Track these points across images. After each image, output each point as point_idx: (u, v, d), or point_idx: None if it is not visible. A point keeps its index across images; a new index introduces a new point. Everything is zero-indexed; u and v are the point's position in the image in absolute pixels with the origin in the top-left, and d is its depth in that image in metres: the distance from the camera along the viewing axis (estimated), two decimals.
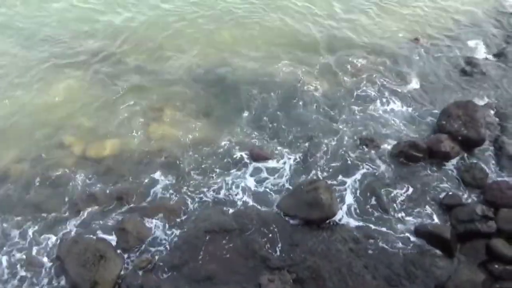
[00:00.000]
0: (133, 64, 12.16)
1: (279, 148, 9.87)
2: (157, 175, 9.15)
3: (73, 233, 8.07)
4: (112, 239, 7.93)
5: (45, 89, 11.19)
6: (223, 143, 9.91)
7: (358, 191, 8.80)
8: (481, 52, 13.56)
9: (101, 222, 8.27)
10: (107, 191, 8.76)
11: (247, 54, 12.81)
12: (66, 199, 8.63)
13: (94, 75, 11.72)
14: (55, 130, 10.06)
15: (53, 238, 8.00)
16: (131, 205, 8.52)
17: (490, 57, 13.34)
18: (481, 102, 11.14)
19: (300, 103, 11.11)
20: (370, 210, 8.46)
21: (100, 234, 8.03)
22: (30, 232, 8.11)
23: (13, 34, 13.36)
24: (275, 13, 14.87)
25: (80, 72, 11.81)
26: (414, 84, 11.91)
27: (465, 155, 9.60)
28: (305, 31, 13.97)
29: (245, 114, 10.72)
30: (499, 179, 8.97)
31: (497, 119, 10.71)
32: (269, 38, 13.59)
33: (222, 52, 12.79)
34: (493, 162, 9.48)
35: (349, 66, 12.45)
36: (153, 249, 7.82)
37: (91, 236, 7.95)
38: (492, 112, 10.91)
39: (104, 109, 10.67)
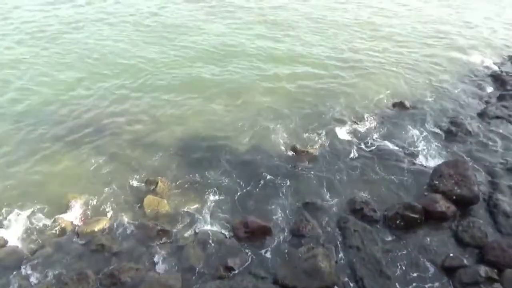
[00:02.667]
0: (126, 137, 12.38)
1: (274, 215, 9.78)
2: (151, 249, 8.88)
3: None
4: None
5: (34, 166, 11.20)
6: (217, 215, 9.80)
7: (357, 257, 8.56)
8: (464, 112, 14.12)
9: None
10: (99, 269, 8.43)
11: (238, 123, 13.18)
12: (56, 279, 8.25)
13: (86, 150, 11.82)
14: (45, 207, 9.91)
15: None
16: (123, 283, 8.15)
17: (473, 116, 13.86)
18: (470, 160, 11.34)
19: (293, 168, 11.26)
20: (371, 276, 8.16)
21: None
22: None
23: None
24: (261, 82, 15.64)
25: (72, 148, 11.91)
26: (403, 145, 12.19)
27: (461, 214, 9.55)
28: (290, 99, 14.61)
29: (238, 182, 10.75)
30: (498, 237, 8.86)
31: (488, 176, 10.84)
32: (258, 107, 14.10)
33: (214, 123, 13.16)
34: (490, 220, 9.42)
35: (337, 131, 12.82)
36: None
37: None
38: (482, 169, 11.07)
39: (97, 184, 10.64)
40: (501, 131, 12.84)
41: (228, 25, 20.95)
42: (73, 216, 9.71)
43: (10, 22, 20.86)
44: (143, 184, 10.67)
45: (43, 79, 15.54)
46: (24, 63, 16.73)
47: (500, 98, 15.01)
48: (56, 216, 9.66)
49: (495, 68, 17.82)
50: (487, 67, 17.97)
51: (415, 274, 8.21)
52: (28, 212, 9.78)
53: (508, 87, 15.76)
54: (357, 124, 13.14)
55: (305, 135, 12.65)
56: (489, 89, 16.01)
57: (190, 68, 16.64)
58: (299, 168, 11.24)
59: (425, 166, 11.30)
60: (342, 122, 13.25)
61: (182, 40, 19.20)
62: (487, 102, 14.75)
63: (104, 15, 21.88)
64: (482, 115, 13.80)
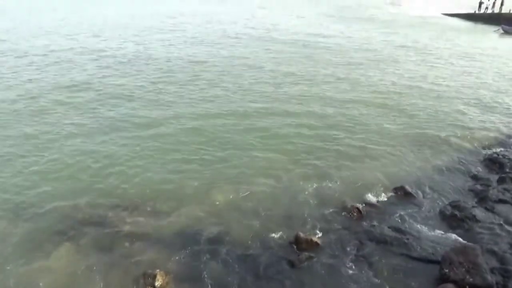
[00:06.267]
0: (126, 229, 12.10)
1: None
2: None
3: None
4: None
5: (28, 262, 10.73)
6: None
7: None
8: (465, 196, 14.08)
9: None
10: None
11: (238, 211, 13.01)
12: None
13: (83, 245, 11.44)
14: None
15: None
16: None
17: (476, 200, 13.77)
18: (478, 247, 10.99)
19: (297, 258, 10.85)
20: None
21: None
22: None
23: None
24: (260, 168, 15.64)
25: (69, 242, 11.51)
26: (408, 232, 11.91)
27: None
28: (288, 186, 14.53)
29: (239, 276, 10.31)
30: None
31: (498, 263, 10.44)
32: (257, 193, 13.95)
33: (215, 213, 12.94)
34: None
35: (338, 218, 12.64)
36: None
37: None
38: (492, 256, 10.70)
39: (92, 279, 10.18)
40: (506, 215, 12.68)
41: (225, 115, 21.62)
42: None
43: None
44: (140, 278, 10.21)
45: (31, 167, 15.16)
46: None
47: (500, 181, 15.06)
48: None
49: (492, 150, 18.14)
50: (483, 148, 18.33)
51: None
52: None
53: (507, 170, 15.91)
54: (358, 211, 12.97)
55: (306, 223, 12.42)
56: (488, 171, 16.15)
57: (187, 154, 16.70)
58: (303, 259, 10.84)
59: (432, 254, 10.92)
60: (342, 209, 13.08)
61: (182, 129, 19.58)
62: (487, 185, 14.74)
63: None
64: (484, 198, 13.70)
